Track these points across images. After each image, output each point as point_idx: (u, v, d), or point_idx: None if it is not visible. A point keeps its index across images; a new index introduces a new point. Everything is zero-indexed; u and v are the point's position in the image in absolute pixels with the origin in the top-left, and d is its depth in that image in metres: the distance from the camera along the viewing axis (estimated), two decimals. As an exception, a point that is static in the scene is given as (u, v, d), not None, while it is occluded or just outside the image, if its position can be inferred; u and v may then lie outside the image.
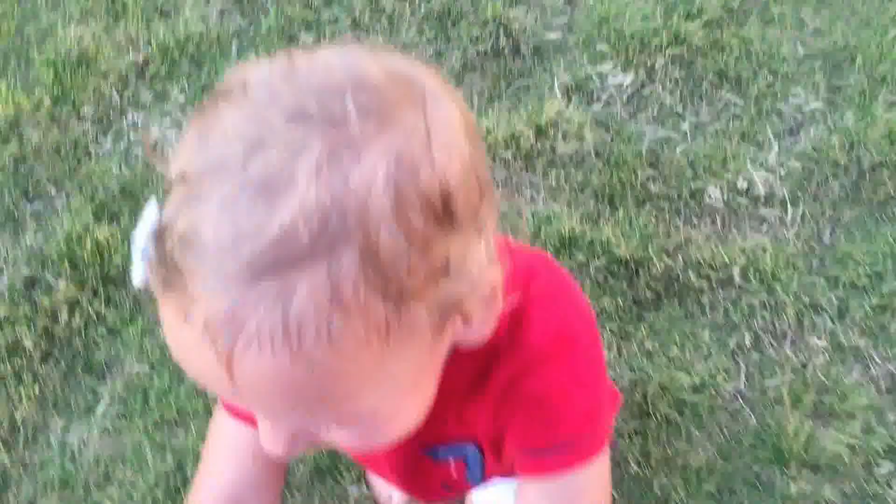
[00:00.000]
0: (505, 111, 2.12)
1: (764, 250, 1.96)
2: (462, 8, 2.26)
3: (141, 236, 0.62)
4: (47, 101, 2.16)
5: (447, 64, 2.18)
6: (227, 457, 1.01)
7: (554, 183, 2.05)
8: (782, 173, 2.06)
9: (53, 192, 2.07)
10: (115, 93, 2.18)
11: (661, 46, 2.19)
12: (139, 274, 0.63)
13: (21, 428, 1.83)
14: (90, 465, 1.80)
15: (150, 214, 0.62)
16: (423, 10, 2.25)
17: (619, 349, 1.87)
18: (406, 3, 2.26)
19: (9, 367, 1.86)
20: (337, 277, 0.57)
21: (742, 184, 2.04)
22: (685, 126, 2.12)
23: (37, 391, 1.85)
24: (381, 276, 0.58)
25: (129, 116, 2.15)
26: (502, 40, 2.21)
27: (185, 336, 0.60)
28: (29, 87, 2.20)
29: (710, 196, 2.02)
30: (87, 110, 2.17)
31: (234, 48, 2.30)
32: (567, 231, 1.96)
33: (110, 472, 1.79)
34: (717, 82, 2.18)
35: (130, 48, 2.25)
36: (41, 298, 1.92)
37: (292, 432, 0.71)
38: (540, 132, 2.08)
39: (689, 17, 2.22)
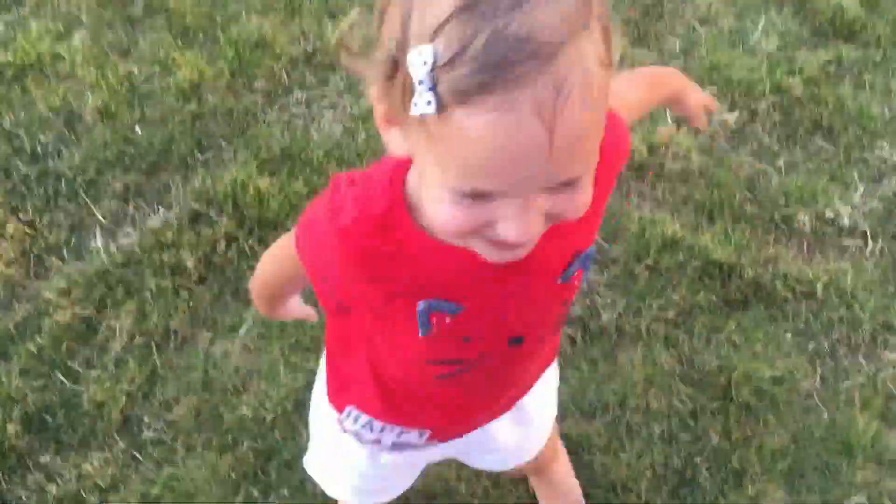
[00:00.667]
0: (622, 130, 2.35)
1: (845, 273, 2.13)
2: (591, 42, 2.50)
3: (423, 71, 0.70)
4: (227, 73, 2.42)
5: (574, 86, 2.42)
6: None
7: (660, 195, 2.25)
8: (865, 210, 2.24)
9: (223, 145, 2.31)
10: (284, 73, 2.44)
11: (764, 93, 2.40)
12: (427, 101, 0.71)
13: (173, 335, 2.03)
14: (230, 374, 1.98)
15: (420, 54, 0.70)
16: (556, 39, 2.50)
17: (707, 339, 2.03)
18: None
19: (169, 282, 2.07)
20: (598, 48, 0.74)
21: (829, 214, 2.21)
22: (780, 162, 2.32)
23: (190, 306, 2.05)
24: (607, 47, 0.77)
25: (295, 94, 2.40)
26: (625, 72, 2.45)
27: (507, 126, 0.70)
28: (212, 59, 2.46)
29: (799, 221, 2.20)
30: (259, 84, 2.42)
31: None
32: (670, 234, 2.15)
33: (247, 382, 1.97)
34: (812, 129, 2.38)
35: (302, 39, 2.52)
36: (204, 230, 2.14)
37: (534, 210, 0.80)
38: (652, 150, 2.29)
39: (790, 72, 2.44)
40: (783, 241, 2.19)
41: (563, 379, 1.97)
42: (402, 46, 0.73)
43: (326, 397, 1.31)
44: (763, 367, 1.99)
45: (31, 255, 2.14)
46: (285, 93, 2.41)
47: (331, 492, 1.53)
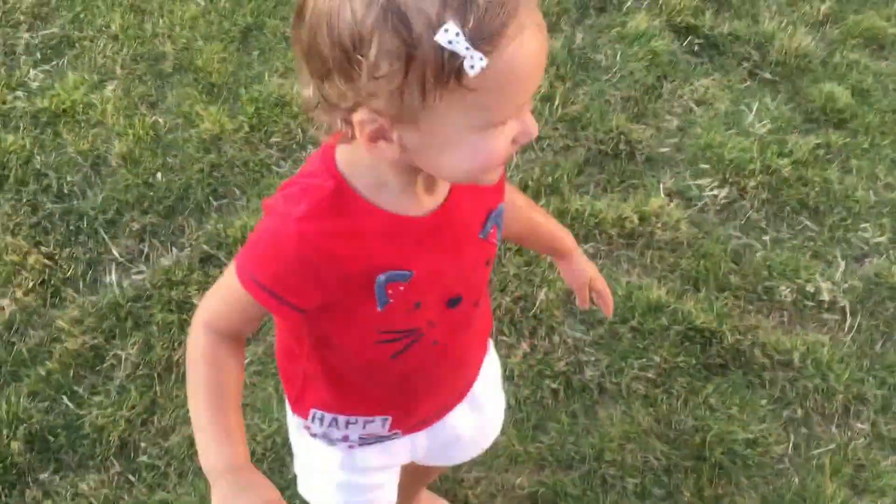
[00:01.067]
0: (615, 199, 2.44)
1: (823, 345, 2.19)
2: (592, 116, 2.61)
3: (461, 39, 0.85)
4: (245, 128, 2.55)
5: (573, 156, 2.54)
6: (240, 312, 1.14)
7: (649, 262, 2.33)
8: (845, 287, 2.31)
9: (238, 194, 2.43)
10: (299, 130, 2.57)
11: (755, 172, 2.49)
12: (479, 58, 0.86)
13: (175, 368, 2.11)
14: None
15: (447, 30, 0.85)
16: (559, 112, 2.61)
17: (685, 400, 2.09)
18: (548, 104, 2.63)
19: (175, 317, 2.17)
20: None
21: (810, 289, 2.28)
22: (766, 238, 2.40)
23: (195, 341, 2.16)
24: None
25: (308, 150, 2.52)
26: (622, 146, 2.54)
27: (528, 43, 0.89)
28: (233, 114, 2.60)
29: (781, 294, 2.27)
30: (275, 139, 2.55)
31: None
32: (655, 298, 2.23)
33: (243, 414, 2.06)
34: (799, 209, 2.47)
35: (318, 100, 2.68)
36: (212, 271, 2.25)
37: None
38: (643, 219, 2.38)
39: (781, 154, 2.54)
40: (764, 311, 2.27)
41: (542, 430, 2.06)
42: (417, 43, 0.86)
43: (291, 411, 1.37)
44: (737, 430, 2.05)
45: (49, 286, 2.26)
46: (299, 148, 2.54)
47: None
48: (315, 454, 1.40)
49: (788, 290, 2.29)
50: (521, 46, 0.89)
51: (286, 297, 1.07)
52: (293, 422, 1.40)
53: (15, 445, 1.99)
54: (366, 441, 1.35)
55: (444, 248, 1.12)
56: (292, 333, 1.24)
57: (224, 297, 1.13)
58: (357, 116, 0.94)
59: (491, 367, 1.48)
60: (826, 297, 2.29)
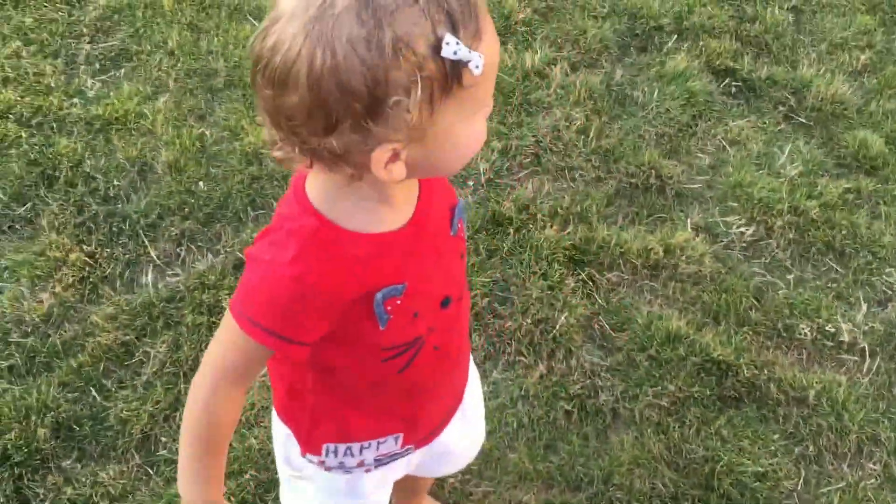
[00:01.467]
0: (642, 231, 2.47)
1: (839, 384, 2.18)
2: (625, 150, 2.64)
3: (462, 46, 0.91)
4: (286, 143, 2.65)
5: (603, 187, 2.58)
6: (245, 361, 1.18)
7: (671, 293, 2.35)
8: (866, 329, 2.29)
9: (274, 206, 2.51)
10: (338, 149, 2.66)
11: (782, 212, 2.50)
12: (480, 56, 0.93)
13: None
14: (245, 408, 2.07)
15: (449, 43, 0.91)
16: (593, 145, 2.65)
17: (697, 430, 2.09)
18: (582, 137, 2.67)
19: (205, 319, 2.23)
20: None
21: (830, 329, 2.28)
22: (790, 277, 2.40)
23: (222, 342, 2.22)
24: None
25: (345, 168, 2.61)
26: (652, 180, 2.57)
27: (493, 33, 0.98)
28: (276, 129, 2.70)
29: (801, 332, 2.27)
30: (314, 156, 2.64)
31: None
32: (674, 329, 2.25)
33: (259, 417, 2.07)
34: (824, 250, 2.47)
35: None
36: (244, 277, 2.33)
37: None
38: (668, 251, 2.40)
39: (810, 196, 2.55)
40: (783, 348, 2.26)
41: (553, 450, 2.08)
42: (424, 64, 0.91)
43: (298, 456, 1.37)
44: (748, 463, 2.04)
45: (88, 283, 2.33)
46: (337, 165, 2.61)
47: None
48: (317, 485, 1.42)
49: (808, 328, 2.29)
50: (489, 32, 0.97)
51: (292, 337, 1.10)
52: (297, 464, 1.40)
53: (42, 432, 2.05)
54: (381, 462, 1.38)
55: (426, 252, 1.17)
56: (296, 371, 1.26)
57: (228, 345, 1.15)
58: (376, 155, 0.96)
59: (473, 376, 1.51)
60: (846, 337, 2.27)
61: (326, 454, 1.34)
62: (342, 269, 1.07)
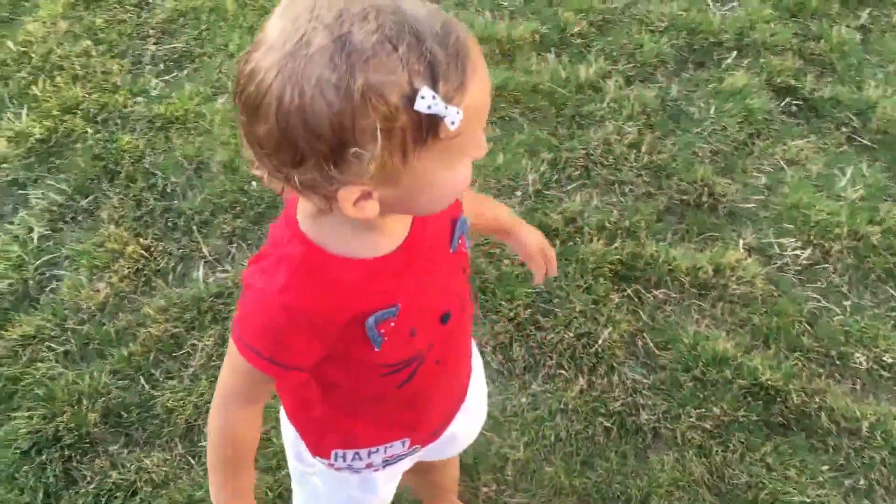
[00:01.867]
0: (692, 249, 2.38)
1: (895, 417, 2.09)
2: (678, 166, 2.56)
3: (438, 100, 0.86)
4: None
5: (653, 203, 2.50)
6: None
7: (719, 314, 2.26)
8: (925, 361, 2.20)
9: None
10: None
11: (841, 236, 2.39)
12: (455, 112, 0.87)
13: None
14: None
15: (424, 97, 0.85)
16: (645, 160, 2.58)
17: (741, 455, 2.00)
18: (634, 151, 2.60)
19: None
20: None
21: (888, 360, 2.16)
22: (847, 303, 2.29)
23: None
24: None
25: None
26: (704, 197, 2.49)
27: (483, 85, 0.92)
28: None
29: (855, 361, 2.16)
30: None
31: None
32: (721, 350, 2.16)
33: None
34: (884, 278, 2.34)
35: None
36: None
37: None
38: (718, 271, 2.31)
39: (871, 221, 2.43)
40: (836, 376, 2.15)
41: (590, 466, 2.01)
42: (395, 115, 0.86)
43: (308, 454, 1.36)
44: (793, 492, 1.94)
45: (142, 275, 2.34)
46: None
47: None
48: (327, 481, 1.41)
49: (864, 357, 2.17)
50: (478, 83, 0.91)
51: (286, 363, 1.09)
52: (308, 461, 1.38)
53: (92, 417, 2.07)
54: (389, 462, 1.36)
55: (420, 272, 1.12)
56: (301, 385, 1.23)
57: (233, 369, 1.15)
58: (341, 194, 0.92)
59: (475, 362, 1.47)
60: (903, 368, 2.17)
61: (335, 458, 1.33)
62: (331, 296, 1.05)
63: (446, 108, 0.87)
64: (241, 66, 0.91)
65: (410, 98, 0.85)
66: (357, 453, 1.32)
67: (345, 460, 1.33)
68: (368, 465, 1.35)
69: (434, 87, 0.86)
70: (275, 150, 0.90)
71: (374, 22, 0.85)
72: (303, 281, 1.03)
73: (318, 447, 1.33)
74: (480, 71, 0.91)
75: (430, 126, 0.88)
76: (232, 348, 1.10)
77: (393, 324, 1.09)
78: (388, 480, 1.45)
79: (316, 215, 1.01)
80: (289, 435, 1.39)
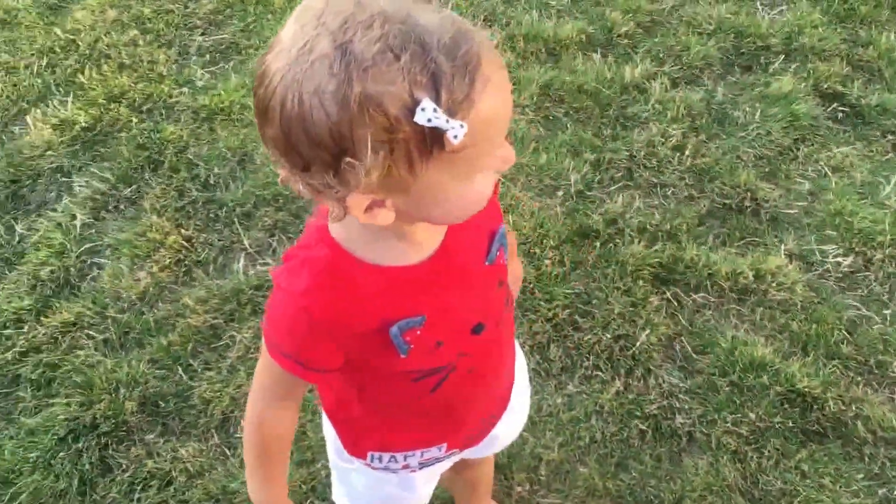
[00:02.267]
0: (733, 254, 2.39)
1: (932, 428, 2.08)
2: (721, 170, 2.57)
3: (440, 112, 0.83)
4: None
5: (695, 207, 2.51)
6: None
7: (758, 319, 2.26)
8: (968, 373, 2.19)
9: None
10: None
11: (884, 245, 2.38)
12: (459, 125, 0.85)
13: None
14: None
15: (424, 109, 0.83)
16: (688, 163, 2.58)
17: (776, 462, 2.01)
18: (677, 154, 2.61)
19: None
20: None
21: (926, 370, 2.18)
22: (887, 312, 2.28)
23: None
24: None
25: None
26: (747, 202, 2.49)
27: (499, 94, 0.89)
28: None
29: (894, 370, 2.15)
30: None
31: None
32: (759, 356, 2.16)
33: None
34: (926, 288, 2.36)
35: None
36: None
37: None
38: (758, 276, 2.31)
39: (914, 230, 2.45)
40: (874, 385, 2.15)
41: (624, 469, 2.02)
42: (397, 126, 0.85)
43: (344, 453, 1.39)
44: (827, 500, 1.95)
45: (183, 265, 2.39)
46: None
47: None
48: (367, 479, 1.43)
49: (904, 367, 2.18)
50: (491, 96, 0.88)
51: (310, 364, 1.10)
52: (346, 458, 1.40)
53: (129, 405, 2.12)
54: (426, 464, 1.38)
55: (450, 285, 1.12)
56: (336, 385, 1.26)
57: (265, 366, 1.16)
58: (349, 200, 0.92)
59: (519, 363, 1.46)
60: (943, 380, 2.16)
61: (371, 459, 1.34)
62: (352, 302, 1.05)
63: (448, 121, 0.84)
64: (256, 66, 0.92)
65: (411, 110, 0.84)
66: (393, 456, 1.33)
67: (381, 462, 1.34)
68: (405, 467, 1.36)
69: (436, 99, 0.84)
70: (284, 154, 0.91)
71: (378, 30, 0.84)
72: (325, 285, 1.03)
73: (355, 447, 1.35)
74: (496, 82, 0.89)
75: (434, 138, 0.86)
76: (263, 346, 1.12)
77: (419, 332, 1.09)
78: (427, 481, 1.47)
79: (340, 219, 0.98)
80: (329, 432, 1.41)
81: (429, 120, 0.84)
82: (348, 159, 0.86)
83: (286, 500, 1.31)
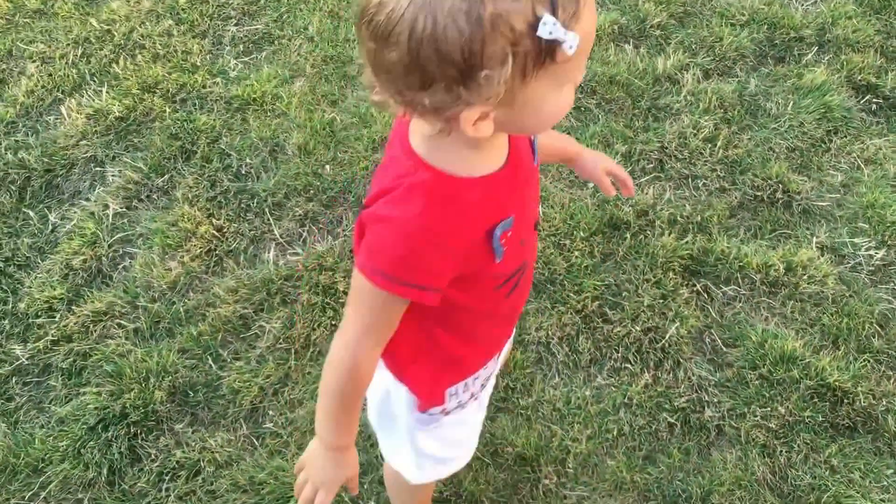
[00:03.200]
0: (764, 246, 2.36)
1: (965, 424, 2.05)
2: (753, 162, 2.54)
3: (559, 25, 0.95)
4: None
5: (726, 198, 2.48)
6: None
7: (789, 312, 2.24)
8: None
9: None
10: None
11: (918, 238, 2.37)
12: (575, 36, 0.96)
13: (312, 346, 2.21)
14: None
15: (546, 23, 0.94)
16: (720, 154, 2.56)
17: (805, 456, 1.99)
18: (709, 145, 2.58)
19: (320, 299, 2.27)
20: None
21: (960, 366, 2.15)
22: (920, 306, 2.28)
23: (333, 323, 2.21)
24: None
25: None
26: (779, 194, 2.46)
27: (591, 11, 1.00)
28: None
29: (926, 365, 2.15)
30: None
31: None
32: (789, 350, 2.14)
33: (364, 400, 2.12)
34: (961, 282, 2.32)
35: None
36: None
37: None
38: (789, 268, 2.29)
39: (949, 224, 2.40)
40: (906, 380, 2.13)
41: (652, 462, 2.01)
42: (519, 41, 0.95)
43: (419, 414, 1.43)
44: (857, 496, 1.93)
45: (214, 255, 2.40)
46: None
47: (448, 472, 1.67)
48: (438, 433, 1.48)
49: (936, 362, 2.15)
50: (589, 11, 1.00)
51: (428, 284, 1.15)
52: (415, 409, 1.44)
53: (159, 395, 2.13)
54: (484, 385, 1.49)
55: (522, 184, 1.23)
56: (421, 329, 1.29)
57: (367, 307, 1.19)
58: (465, 114, 1.01)
59: None
60: (977, 375, 2.12)
61: (448, 399, 1.41)
62: (463, 214, 1.13)
63: (566, 33, 0.95)
64: (365, 2, 1.00)
65: (533, 25, 0.94)
66: (465, 384, 1.41)
67: (456, 397, 1.42)
68: (471, 395, 1.45)
69: (554, 14, 0.95)
70: (403, 75, 0.98)
71: None
72: (437, 202, 1.11)
73: (432, 393, 1.40)
74: (590, 1, 1.00)
75: (548, 51, 0.97)
76: (362, 286, 1.15)
77: (510, 233, 1.19)
78: (480, 408, 1.57)
79: (435, 139, 1.10)
80: (399, 398, 1.44)
81: (549, 33, 0.95)
82: (486, 73, 0.96)
83: (352, 449, 1.32)
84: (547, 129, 1.15)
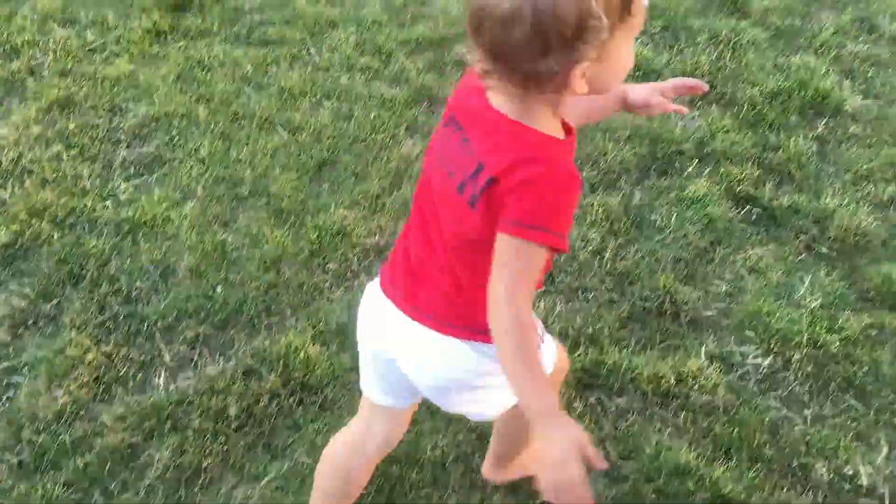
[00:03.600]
0: (654, 357, 2.39)
1: (855, 531, 2.07)
2: (641, 273, 2.60)
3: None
4: (306, 252, 2.64)
5: (616, 310, 2.52)
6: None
7: (681, 423, 2.25)
8: (886, 474, 2.17)
9: (288, 314, 2.48)
10: (356, 260, 2.64)
11: (801, 345, 2.41)
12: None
13: (203, 473, 2.13)
14: None
15: None
16: (608, 266, 2.61)
17: (704, 570, 2.00)
18: (598, 258, 2.65)
19: (211, 425, 2.21)
20: None
21: (848, 471, 2.16)
22: (807, 413, 2.30)
23: (224, 450, 2.16)
24: None
25: (361, 279, 2.57)
26: (667, 305, 2.51)
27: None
28: (297, 239, 2.68)
29: (817, 472, 2.15)
30: (331, 266, 2.62)
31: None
32: (683, 462, 2.15)
33: None
34: (844, 387, 2.36)
35: (378, 233, 2.75)
36: (253, 384, 2.28)
37: None
38: (680, 379, 2.32)
39: (830, 330, 2.46)
40: (798, 488, 2.14)
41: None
42: None
43: (487, 363, 1.50)
44: None
45: (102, 382, 2.32)
46: (353, 277, 2.59)
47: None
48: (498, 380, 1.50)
49: (825, 469, 2.17)
50: None
51: (569, 232, 1.34)
52: (482, 365, 1.52)
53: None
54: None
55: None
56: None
57: (526, 267, 1.31)
58: (577, 72, 1.22)
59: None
60: (865, 481, 2.15)
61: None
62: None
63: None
64: (474, 5, 1.22)
65: None
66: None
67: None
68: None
69: None
70: (526, 46, 1.19)
71: None
72: (570, 161, 1.36)
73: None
74: None
75: (626, 4, 1.21)
76: (520, 249, 1.28)
77: None
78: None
79: (529, 112, 1.30)
80: (469, 359, 1.52)
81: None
82: (593, 22, 1.16)
83: (563, 412, 1.32)
84: (619, 84, 1.37)
